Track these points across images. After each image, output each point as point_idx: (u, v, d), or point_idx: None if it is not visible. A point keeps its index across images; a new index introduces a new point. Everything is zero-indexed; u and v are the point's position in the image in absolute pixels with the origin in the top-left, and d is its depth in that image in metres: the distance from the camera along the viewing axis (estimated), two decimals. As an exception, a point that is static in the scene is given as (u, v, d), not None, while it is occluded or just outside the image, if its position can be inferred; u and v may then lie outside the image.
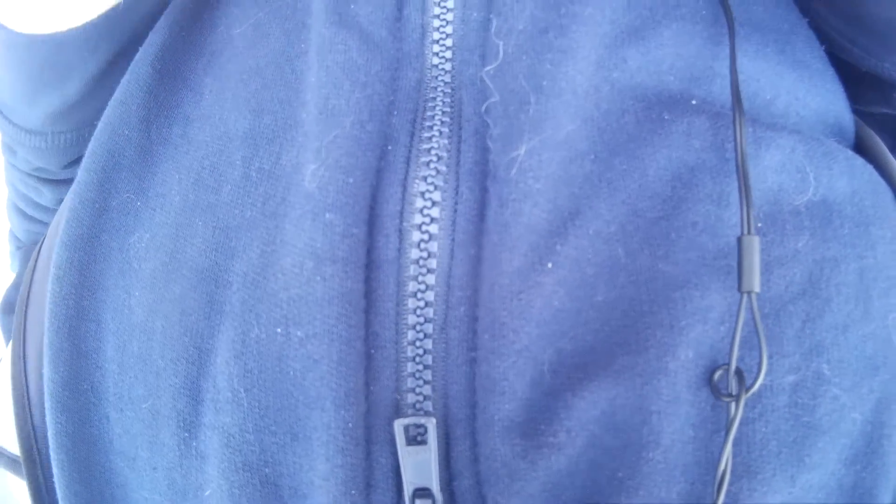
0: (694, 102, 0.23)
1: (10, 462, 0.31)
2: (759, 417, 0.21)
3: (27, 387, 0.29)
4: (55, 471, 0.25)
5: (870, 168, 0.24)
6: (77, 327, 0.25)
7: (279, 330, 0.22)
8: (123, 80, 0.28)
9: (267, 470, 0.23)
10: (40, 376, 0.27)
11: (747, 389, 0.20)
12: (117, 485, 0.25)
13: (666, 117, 0.23)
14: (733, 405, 0.21)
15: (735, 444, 0.21)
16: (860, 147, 0.27)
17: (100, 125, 0.28)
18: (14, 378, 0.30)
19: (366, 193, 0.23)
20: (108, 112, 0.28)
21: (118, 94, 0.28)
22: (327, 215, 0.22)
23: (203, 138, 0.26)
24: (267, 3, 0.27)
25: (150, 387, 0.24)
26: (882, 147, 0.26)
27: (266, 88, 0.26)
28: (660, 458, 0.21)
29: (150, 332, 0.24)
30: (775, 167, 0.22)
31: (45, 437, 0.27)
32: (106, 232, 0.26)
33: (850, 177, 0.23)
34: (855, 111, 0.27)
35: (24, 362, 0.29)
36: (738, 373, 0.21)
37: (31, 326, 0.29)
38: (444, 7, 0.25)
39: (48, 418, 0.25)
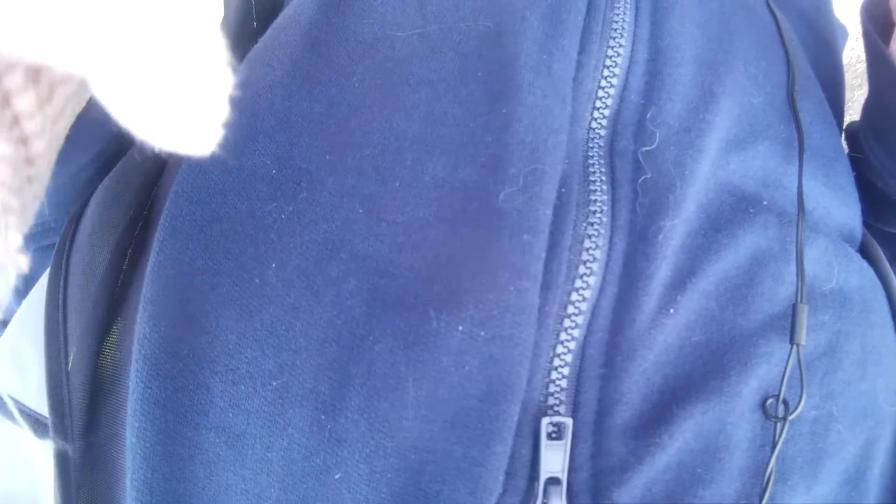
0: (765, 203, 0.30)
1: (34, 422, 0.28)
2: (791, 439, 0.28)
3: (65, 340, 0.27)
4: (132, 440, 0.24)
5: (871, 270, 0.32)
6: (188, 286, 0.25)
7: (461, 328, 0.25)
8: (266, 45, 0.28)
9: (413, 456, 0.25)
10: (83, 328, 0.26)
11: (792, 412, 0.28)
12: (203, 462, 0.24)
13: (751, 211, 0.30)
14: (779, 425, 0.28)
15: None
16: (863, 253, 0.34)
17: (241, 79, 0.28)
18: (49, 330, 0.27)
19: (548, 225, 0.27)
20: (250, 71, 0.28)
21: (261, 55, 0.28)
22: (525, 236, 0.26)
23: (358, 126, 0.27)
24: (436, 18, 0.29)
25: (283, 364, 0.24)
26: (881, 256, 0.34)
27: (438, 101, 0.28)
28: (727, 459, 0.27)
29: (293, 308, 0.24)
30: (813, 260, 0.30)
31: (82, 398, 0.26)
32: (234, 192, 0.26)
33: (859, 275, 0.31)
34: (869, 225, 0.35)
35: (64, 312, 0.27)
36: (785, 402, 0.28)
37: (74, 270, 0.28)
38: (610, 82, 0.30)
39: (135, 382, 0.24)
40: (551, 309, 0.27)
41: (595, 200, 0.28)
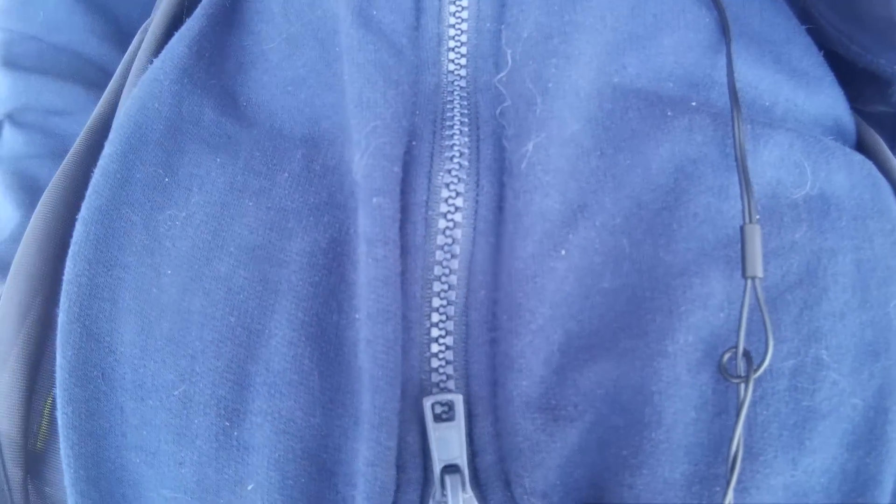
0: (694, 104, 0.25)
1: None
2: (760, 401, 0.22)
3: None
4: (64, 468, 0.24)
5: (869, 164, 0.25)
6: (89, 307, 0.24)
7: (357, 316, 0.23)
8: (157, 60, 0.28)
9: (325, 456, 0.23)
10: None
11: (756, 370, 0.22)
12: (130, 483, 0.24)
13: (669, 114, 0.25)
14: (742, 386, 0.22)
15: None
16: (862, 146, 0.28)
17: (129, 100, 0.28)
18: None
19: (399, 183, 0.24)
20: (138, 89, 0.28)
21: (150, 73, 0.28)
22: (375, 199, 0.23)
23: (250, 136, 0.27)
24: (298, 17, 0.29)
25: (182, 372, 0.23)
26: (882, 145, 0.28)
27: (316, 96, 0.27)
28: (662, 437, 0.22)
29: (186, 312, 0.24)
30: (773, 162, 0.24)
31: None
32: (127, 205, 0.25)
33: (848, 172, 0.25)
34: (855, 110, 0.29)
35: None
36: (746, 355, 0.22)
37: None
38: (459, 17, 0.27)
39: (58, 411, 0.24)
40: (414, 274, 0.24)
41: (452, 146, 0.25)
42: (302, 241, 0.24)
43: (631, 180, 0.24)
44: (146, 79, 0.28)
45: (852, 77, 0.29)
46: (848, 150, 0.26)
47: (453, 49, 0.27)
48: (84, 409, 0.24)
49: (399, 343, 0.23)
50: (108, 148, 0.26)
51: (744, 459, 0.22)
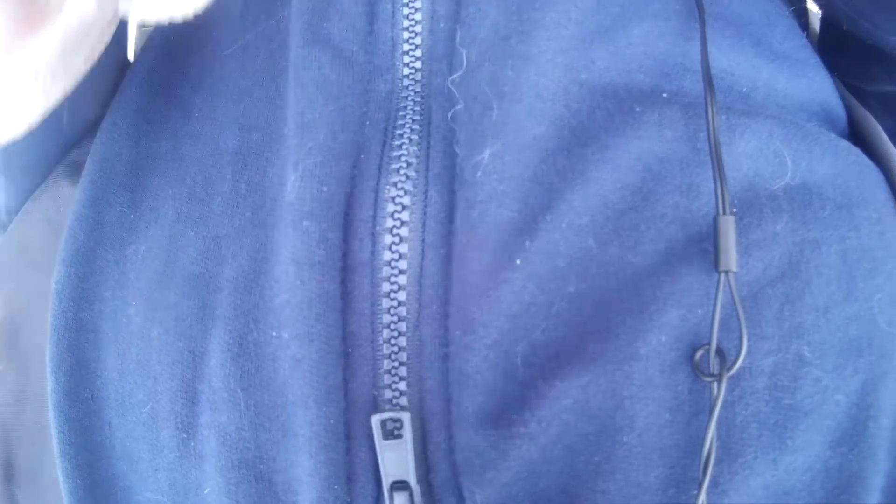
0: (665, 95, 0.23)
1: None
2: (739, 400, 0.21)
3: None
4: (60, 478, 0.25)
5: (856, 150, 0.24)
6: (76, 339, 0.26)
7: (274, 333, 0.23)
8: (113, 103, 0.29)
9: (262, 466, 0.23)
10: (9, 388, 0.28)
11: (729, 368, 0.20)
12: (121, 489, 0.26)
13: (637, 109, 0.23)
14: (715, 385, 0.20)
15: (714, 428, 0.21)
16: (856, 130, 0.27)
17: (94, 145, 0.28)
18: None
19: (340, 200, 0.23)
20: (100, 134, 0.28)
21: (109, 116, 0.28)
22: (304, 223, 0.23)
23: (195, 155, 0.27)
24: (254, 25, 0.28)
25: (149, 391, 0.25)
26: (879, 130, 0.26)
27: (254, 107, 0.27)
28: (635, 441, 0.21)
29: (148, 338, 0.25)
30: (751, 153, 0.22)
31: (21, 455, 0.27)
32: (101, 245, 0.27)
33: (833, 159, 0.23)
34: (859, 90, 0.27)
35: None
36: (720, 352, 0.20)
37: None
38: (413, 20, 0.25)
39: (53, 429, 0.25)
40: (360, 292, 0.23)
41: (400, 156, 0.24)
42: (230, 267, 0.25)
43: (600, 176, 0.22)
44: (106, 123, 0.29)
45: (859, 55, 0.27)
46: (833, 136, 0.24)
47: (408, 52, 0.25)
48: (79, 425, 0.26)
49: (327, 362, 0.22)
50: (80, 194, 0.28)
51: (722, 461, 0.21)
